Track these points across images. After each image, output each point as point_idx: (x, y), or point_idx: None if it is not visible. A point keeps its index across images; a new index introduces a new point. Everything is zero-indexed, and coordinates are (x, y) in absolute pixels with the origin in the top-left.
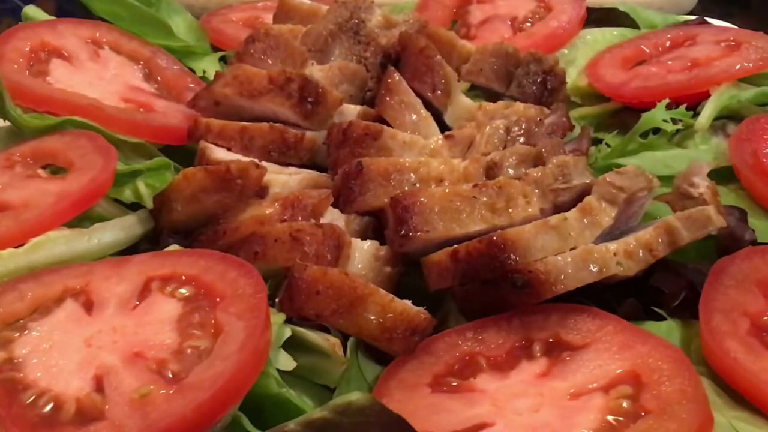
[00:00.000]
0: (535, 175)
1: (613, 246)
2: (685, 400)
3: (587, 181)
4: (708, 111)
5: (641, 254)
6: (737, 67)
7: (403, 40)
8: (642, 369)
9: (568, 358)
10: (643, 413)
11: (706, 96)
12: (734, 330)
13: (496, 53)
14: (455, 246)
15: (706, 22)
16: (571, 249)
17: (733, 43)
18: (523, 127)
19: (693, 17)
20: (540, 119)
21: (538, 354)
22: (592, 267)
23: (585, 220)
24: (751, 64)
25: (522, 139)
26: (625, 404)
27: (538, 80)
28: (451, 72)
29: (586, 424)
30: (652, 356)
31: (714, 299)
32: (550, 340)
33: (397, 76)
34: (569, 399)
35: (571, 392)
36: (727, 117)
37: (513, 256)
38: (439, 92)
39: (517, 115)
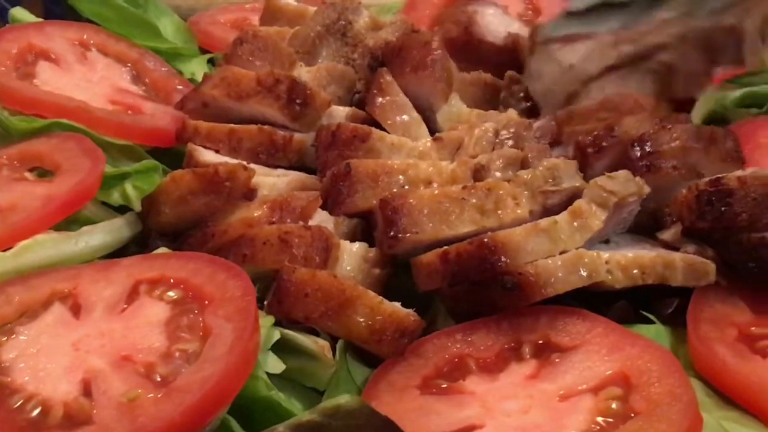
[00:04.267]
0: (524, 177)
1: (606, 254)
2: (674, 401)
3: (577, 185)
4: (695, 117)
5: (634, 272)
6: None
7: (404, 36)
8: (631, 370)
9: (557, 360)
10: (632, 414)
11: (693, 99)
12: (722, 336)
13: (475, 82)
14: (445, 247)
15: None
16: (561, 252)
17: None
18: (512, 130)
19: None
20: (529, 123)
21: (528, 356)
22: (582, 271)
23: (575, 223)
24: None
25: (510, 143)
26: (614, 405)
27: (522, 96)
28: (454, 65)
29: (576, 426)
30: (642, 358)
31: (701, 311)
32: (540, 341)
33: (389, 77)
34: (559, 400)
35: (560, 394)
36: (713, 121)
37: (503, 259)
38: (442, 84)
39: (508, 119)
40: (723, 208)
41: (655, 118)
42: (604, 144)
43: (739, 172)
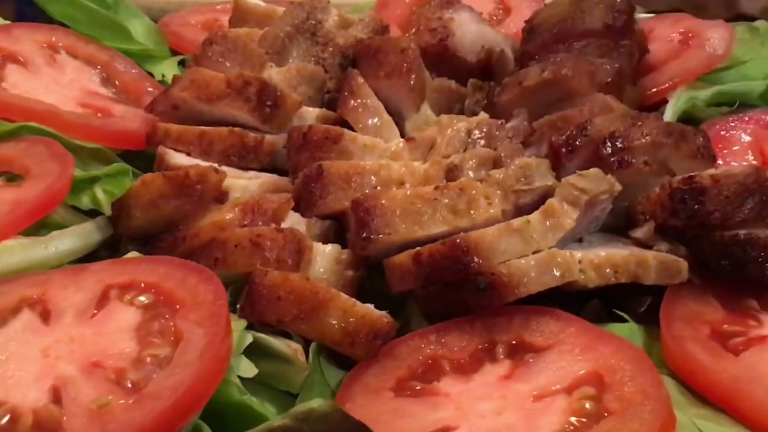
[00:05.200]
0: (497, 176)
1: (579, 254)
2: (647, 400)
3: (549, 184)
4: (667, 117)
5: (607, 271)
6: (690, 66)
7: (380, 38)
8: (604, 370)
9: (531, 360)
10: (605, 414)
11: (664, 100)
12: (695, 335)
13: (438, 89)
14: (418, 248)
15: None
16: (534, 252)
17: (690, 35)
18: (484, 130)
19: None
20: (501, 123)
21: (502, 356)
22: (555, 271)
23: (547, 222)
24: (701, 64)
25: (482, 142)
26: (588, 405)
27: (486, 104)
28: (427, 75)
29: (550, 426)
30: (615, 357)
31: (674, 309)
32: (514, 342)
33: (360, 79)
34: (532, 401)
35: (534, 394)
36: (685, 120)
37: (476, 259)
38: (414, 94)
39: (480, 120)
40: (696, 206)
41: (627, 117)
42: (577, 143)
43: (711, 171)
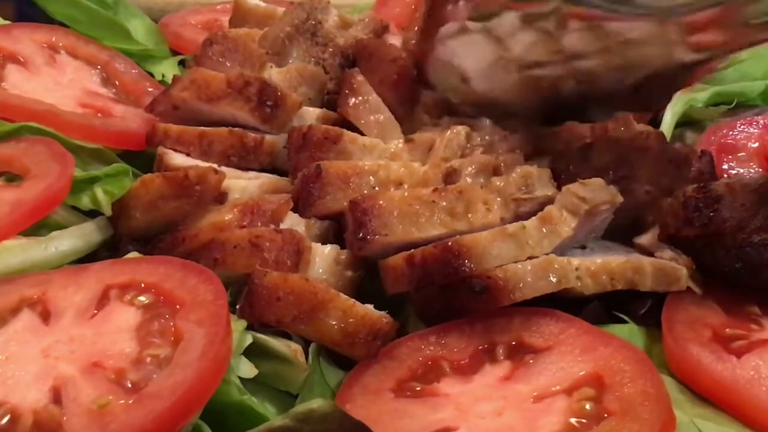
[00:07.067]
0: (497, 183)
1: (576, 261)
2: (647, 400)
3: (549, 193)
4: (667, 122)
5: (603, 278)
6: None
7: (377, 43)
8: (604, 371)
9: (531, 361)
10: (605, 415)
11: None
12: (697, 337)
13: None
14: (412, 250)
15: None
16: (529, 258)
17: None
18: (486, 138)
19: None
20: (503, 133)
21: (502, 357)
22: (551, 277)
23: (544, 229)
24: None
25: (481, 150)
26: (588, 406)
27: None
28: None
29: (549, 427)
30: (615, 358)
31: (676, 313)
32: (513, 343)
33: (360, 77)
34: (532, 402)
35: (534, 395)
36: (683, 124)
37: (468, 263)
38: (406, 104)
39: (481, 126)
40: (711, 214)
41: (625, 139)
42: (576, 172)
43: (725, 180)
